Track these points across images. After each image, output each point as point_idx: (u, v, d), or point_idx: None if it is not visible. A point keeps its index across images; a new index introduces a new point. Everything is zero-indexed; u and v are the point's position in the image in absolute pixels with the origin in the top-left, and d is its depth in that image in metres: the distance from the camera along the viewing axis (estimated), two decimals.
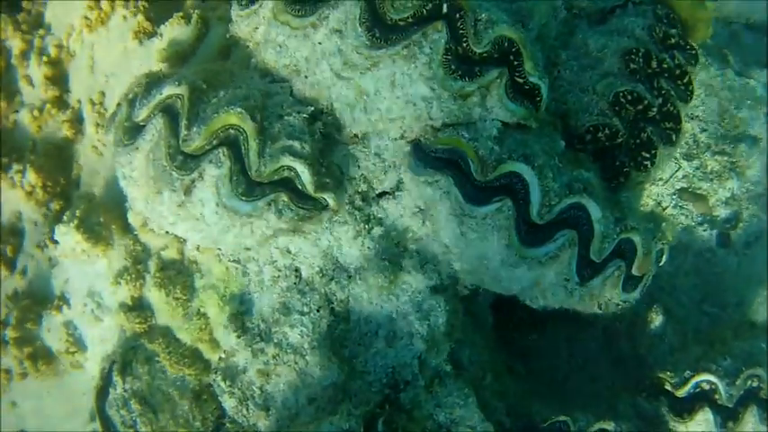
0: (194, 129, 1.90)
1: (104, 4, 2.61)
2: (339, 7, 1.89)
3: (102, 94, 2.59)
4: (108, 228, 2.13)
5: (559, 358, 2.53)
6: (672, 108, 2.27)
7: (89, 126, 2.57)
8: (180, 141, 1.90)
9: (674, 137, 2.27)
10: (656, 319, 2.40)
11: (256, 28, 2.05)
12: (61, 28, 2.66)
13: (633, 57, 2.28)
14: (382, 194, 2.03)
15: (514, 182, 1.87)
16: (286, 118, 1.95)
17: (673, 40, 2.45)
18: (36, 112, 2.58)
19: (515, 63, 1.92)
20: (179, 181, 1.89)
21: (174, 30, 2.54)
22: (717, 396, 2.19)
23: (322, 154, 1.98)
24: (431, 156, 1.90)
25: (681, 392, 2.20)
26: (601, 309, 2.13)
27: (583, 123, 2.20)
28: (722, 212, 2.68)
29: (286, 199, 1.88)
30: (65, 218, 2.13)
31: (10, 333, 2.23)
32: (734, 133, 2.76)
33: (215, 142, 1.90)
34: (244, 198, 1.87)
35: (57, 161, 2.54)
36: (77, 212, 2.12)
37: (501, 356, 2.40)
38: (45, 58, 2.60)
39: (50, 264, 2.34)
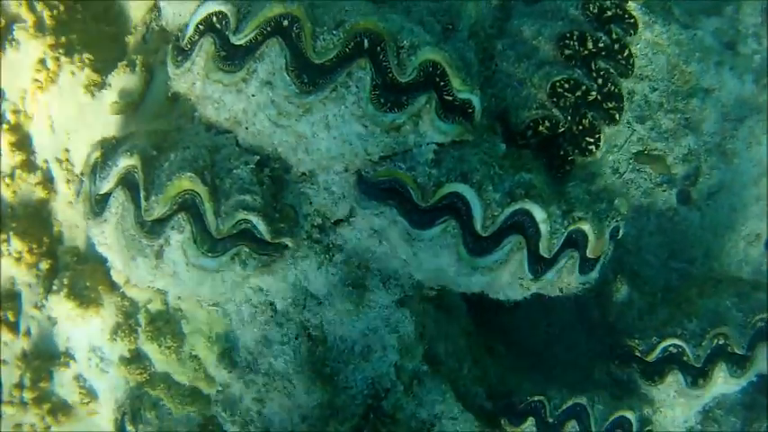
0: (153, 198, 2.11)
1: (50, 64, 2.77)
2: (265, 59, 2.05)
3: (67, 150, 2.79)
4: (95, 289, 2.38)
5: (537, 329, 2.77)
6: (612, 87, 2.41)
7: (60, 183, 2.78)
8: (142, 212, 2.11)
9: (617, 116, 2.43)
10: (622, 289, 2.62)
11: (193, 83, 2.21)
12: (15, 92, 2.83)
13: (568, 42, 2.41)
14: (338, 222, 2.24)
15: (456, 201, 2.06)
16: (235, 171, 2.15)
17: (609, 13, 2.56)
18: (8, 180, 2.79)
19: (442, 84, 2.08)
20: (149, 248, 2.11)
21: (122, 79, 2.72)
22: (685, 358, 2.43)
23: (275, 197, 2.19)
24: (374, 187, 2.09)
25: (650, 357, 2.44)
26: (562, 292, 2.36)
27: (523, 119, 2.36)
28: (681, 170, 2.83)
29: (247, 250, 2.10)
30: (54, 287, 2.39)
31: (28, 395, 2.53)
32: (685, 88, 2.88)
33: (174, 208, 2.10)
34: (210, 255, 2.09)
35: (37, 222, 2.77)
36: (65, 280, 2.38)
37: (479, 339, 2.65)
38: (5, 126, 2.79)
39: (50, 322, 2.61)
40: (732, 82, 2.93)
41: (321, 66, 2.02)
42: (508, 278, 2.18)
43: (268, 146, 2.16)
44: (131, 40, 2.89)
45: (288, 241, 2.14)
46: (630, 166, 2.79)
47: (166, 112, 2.48)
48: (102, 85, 2.74)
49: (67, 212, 2.76)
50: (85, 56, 2.77)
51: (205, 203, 2.08)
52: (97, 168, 2.27)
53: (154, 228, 2.13)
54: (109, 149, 2.31)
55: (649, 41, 2.87)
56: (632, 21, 2.60)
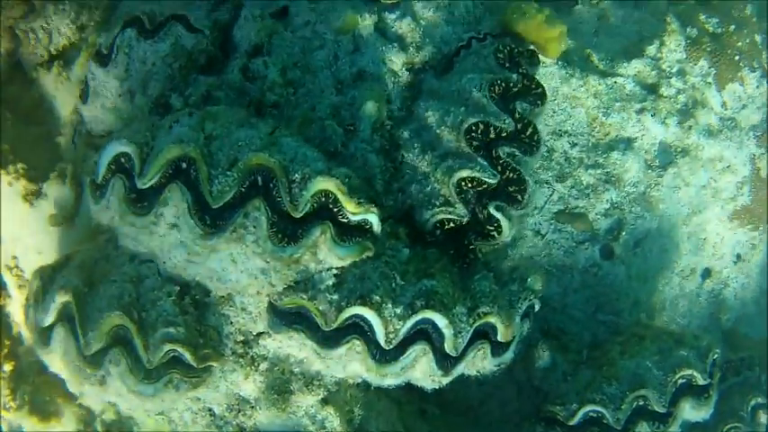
0: (89, 334, 2.40)
1: None
2: (169, 203, 2.27)
3: (15, 257, 3.07)
4: (54, 401, 2.72)
5: (470, 387, 3.05)
6: (512, 175, 2.58)
7: (13, 289, 3.08)
8: (82, 347, 2.40)
9: (520, 197, 2.60)
10: (544, 355, 2.87)
11: (112, 218, 2.45)
12: None
13: (473, 134, 2.56)
14: (260, 333, 2.51)
15: (359, 320, 2.31)
16: (159, 303, 2.42)
17: (515, 89, 2.69)
18: None
19: (336, 210, 2.29)
20: (93, 377, 2.42)
21: (55, 189, 2.96)
22: (605, 421, 2.69)
23: (198, 321, 2.46)
24: (283, 313, 2.35)
25: (572, 422, 2.71)
26: (479, 374, 2.62)
27: (428, 219, 2.56)
28: (603, 224, 3.02)
29: (179, 376, 2.40)
30: (17, 402, 2.72)
31: None
32: (606, 141, 3.02)
33: (109, 341, 2.39)
34: (146, 382, 2.39)
35: None
36: (26, 397, 2.71)
37: (411, 406, 2.95)
38: None
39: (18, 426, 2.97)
40: (655, 128, 3.07)
41: (220, 208, 2.24)
42: (419, 375, 2.45)
43: (186, 276, 2.42)
44: (62, 141, 3.11)
45: (213, 364, 2.43)
46: (552, 227, 2.99)
47: (95, 232, 2.72)
48: (38, 194, 2.99)
49: (22, 316, 3.07)
50: (19, 165, 3.00)
51: (134, 338, 2.37)
52: (39, 299, 2.57)
53: (95, 359, 2.43)
54: (47, 280, 2.59)
55: (567, 96, 3.02)
56: (539, 91, 2.73)
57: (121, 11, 3.34)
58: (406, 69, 2.84)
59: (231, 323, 2.49)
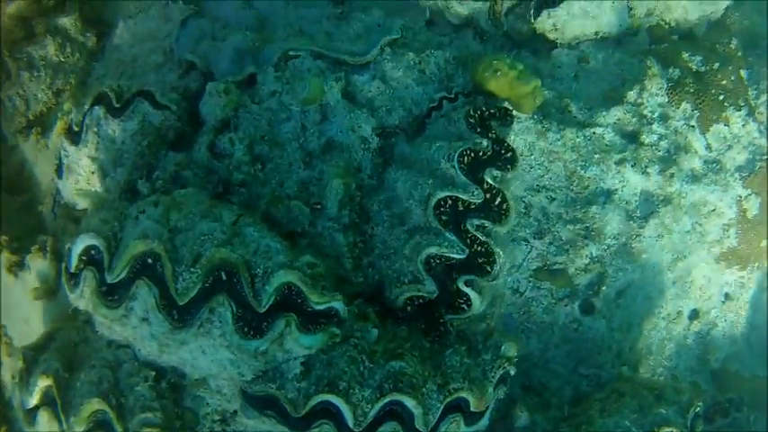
0: (72, 419, 2.51)
1: None
2: (138, 298, 2.35)
3: (3, 326, 3.19)
4: None
5: None
6: (481, 248, 2.61)
7: (3, 357, 3.21)
8: (66, 431, 2.53)
9: (489, 268, 2.64)
10: (522, 416, 2.92)
11: (88, 306, 2.54)
12: None
13: (441, 208, 2.59)
14: (236, 411, 2.60)
15: (327, 405, 2.38)
16: (136, 388, 2.51)
17: (485, 156, 2.70)
18: None
19: (300, 301, 2.35)
20: None
21: (37, 263, 3.06)
22: None
23: (176, 403, 2.56)
24: (254, 399, 2.43)
25: None
26: None
27: (397, 296, 2.61)
28: (583, 279, 3.03)
29: None
30: None
31: None
32: (585, 194, 3.02)
33: (91, 425, 2.50)
34: None
35: None
36: None
37: None
38: None
39: None
40: (635, 178, 3.05)
41: (186, 304, 2.31)
42: None
43: (161, 362, 2.51)
44: (44, 209, 3.21)
45: None
46: (531, 284, 3.02)
47: (74, 312, 2.82)
48: (21, 266, 3.09)
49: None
50: (3, 238, 3.11)
51: (114, 425, 2.48)
52: (23, 380, 2.69)
53: None
54: (30, 362, 2.71)
55: (544, 150, 3.02)
56: (510, 156, 2.74)
57: (97, 72, 3.42)
58: (377, 135, 2.87)
59: (207, 404, 2.58)
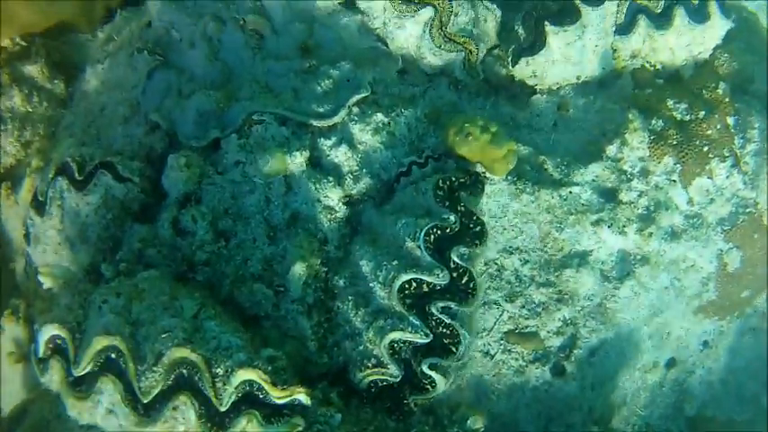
0: None
1: None
2: (104, 392, 2.38)
3: None
4: None
5: None
6: (446, 330, 2.62)
7: None
8: None
9: (455, 349, 2.65)
10: None
11: (57, 391, 2.60)
12: None
13: (405, 291, 2.59)
14: None
15: None
16: None
17: (451, 231, 2.68)
18: None
19: (262, 396, 2.38)
20: None
21: (11, 327, 3.11)
22: None
23: None
24: None
25: None
26: None
27: (361, 379, 2.64)
28: (556, 342, 3.04)
29: None
30: None
31: None
32: (559, 256, 2.99)
33: None
34: None
35: None
36: None
37: None
38: None
39: None
40: (612, 239, 3.02)
41: (150, 401, 2.36)
42: None
43: None
44: (17, 268, 3.24)
45: None
46: (502, 347, 3.03)
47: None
48: None
49: None
50: None
51: None
52: None
53: None
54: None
55: (518, 212, 2.98)
56: (478, 230, 2.71)
57: (67, 120, 3.39)
58: (343, 203, 2.84)
59: None
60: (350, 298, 2.69)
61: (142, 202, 2.82)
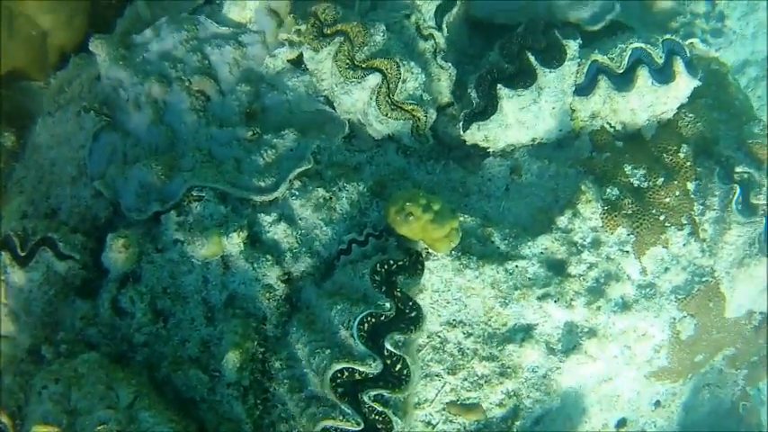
0: None
1: None
2: None
3: None
4: None
5: None
6: (379, 417, 2.65)
7: None
8: None
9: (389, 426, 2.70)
10: None
11: None
12: None
13: (338, 380, 2.62)
14: None
15: None
16: None
17: (387, 320, 2.68)
18: None
19: None
20: None
21: None
22: None
23: None
24: None
25: None
26: None
27: None
28: (498, 413, 3.07)
29: None
30: None
31: None
32: (503, 330, 2.99)
33: None
34: None
35: None
36: None
37: None
38: None
39: None
40: (558, 313, 3.00)
41: None
42: None
43: None
44: None
45: None
46: (443, 417, 3.07)
47: None
48: None
49: None
50: None
51: None
52: None
53: None
54: None
55: (461, 286, 2.97)
56: (414, 315, 2.72)
57: (18, 173, 3.41)
58: (282, 281, 2.85)
59: None
60: (285, 381, 2.74)
61: (84, 277, 2.86)
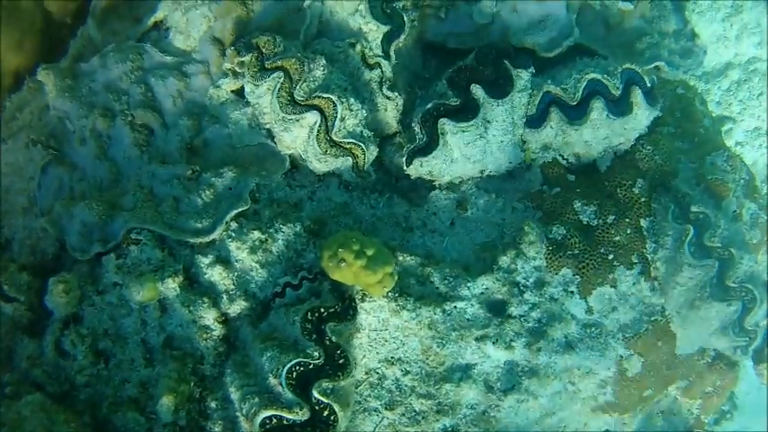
0: None
1: None
2: None
3: None
4: None
5: None
6: None
7: None
8: None
9: None
10: None
11: None
12: None
13: (267, 426, 2.70)
14: None
15: None
16: None
17: (316, 368, 2.74)
18: None
19: None
20: None
21: None
22: None
23: None
24: None
25: None
26: None
27: None
28: None
29: None
30: None
31: None
32: (440, 369, 3.01)
33: None
34: None
35: None
36: None
37: None
38: None
39: None
40: (497, 354, 3.00)
41: None
42: None
43: None
44: None
45: None
46: None
47: None
48: None
49: None
50: None
51: None
52: None
53: None
54: None
55: (399, 326, 2.99)
56: (342, 362, 2.77)
57: None
58: (219, 322, 2.92)
59: None
60: (220, 422, 2.85)
61: (31, 318, 2.98)
